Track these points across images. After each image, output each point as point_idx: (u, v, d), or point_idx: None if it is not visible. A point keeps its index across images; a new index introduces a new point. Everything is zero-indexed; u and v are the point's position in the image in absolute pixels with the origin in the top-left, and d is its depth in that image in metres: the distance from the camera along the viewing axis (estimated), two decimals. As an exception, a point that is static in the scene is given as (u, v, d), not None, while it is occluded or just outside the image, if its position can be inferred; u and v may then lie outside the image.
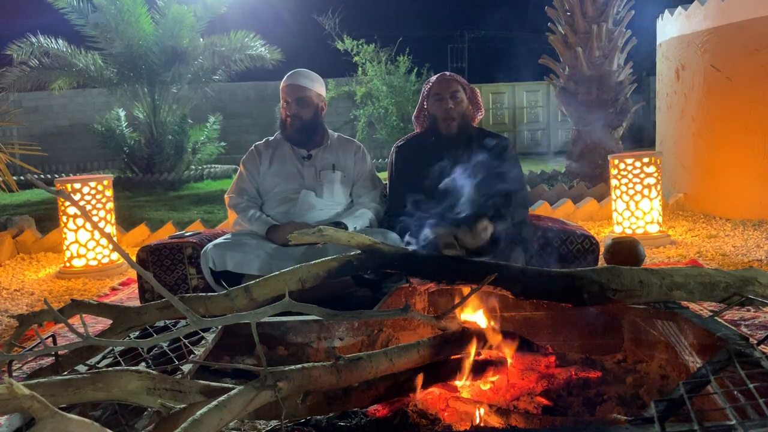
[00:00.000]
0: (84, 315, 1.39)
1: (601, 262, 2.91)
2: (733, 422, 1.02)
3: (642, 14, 6.72)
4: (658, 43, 6.40)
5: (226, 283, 2.05)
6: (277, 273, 1.62)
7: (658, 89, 6.50)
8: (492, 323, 1.72)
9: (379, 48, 13.00)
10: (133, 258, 2.92)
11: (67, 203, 4.21)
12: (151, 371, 1.21)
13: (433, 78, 2.77)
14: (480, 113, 2.84)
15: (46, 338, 1.49)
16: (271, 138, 2.97)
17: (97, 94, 13.61)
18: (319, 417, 1.38)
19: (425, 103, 2.78)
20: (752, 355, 1.28)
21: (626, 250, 2.55)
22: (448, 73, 2.76)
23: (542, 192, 6.21)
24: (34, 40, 10.08)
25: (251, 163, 2.89)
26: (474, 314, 1.73)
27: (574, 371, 1.69)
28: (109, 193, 4.37)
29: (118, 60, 10.33)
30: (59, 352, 1.41)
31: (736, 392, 1.14)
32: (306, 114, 2.82)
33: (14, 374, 1.58)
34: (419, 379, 1.47)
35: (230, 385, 1.22)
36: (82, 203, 4.21)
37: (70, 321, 1.35)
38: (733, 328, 1.52)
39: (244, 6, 13.40)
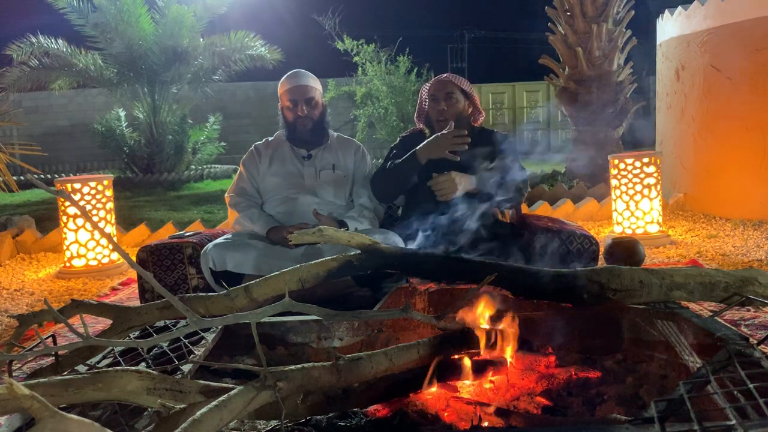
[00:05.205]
0: (84, 315, 1.39)
1: (601, 262, 2.91)
2: (733, 422, 1.01)
3: (642, 14, 6.71)
4: (658, 43, 6.40)
5: (226, 283, 2.05)
6: (277, 273, 1.62)
7: (658, 89, 6.50)
8: (492, 323, 1.72)
9: (379, 48, 12.97)
10: (133, 258, 2.92)
11: (67, 203, 4.21)
12: (151, 371, 1.21)
13: (433, 79, 2.80)
14: (481, 115, 2.86)
15: (46, 338, 1.49)
16: (271, 138, 2.96)
17: (97, 94, 13.60)
18: (319, 417, 1.38)
19: (424, 103, 2.82)
20: (752, 355, 1.28)
21: (626, 250, 2.56)
22: (446, 74, 2.79)
23: (542, 192, 6.20)
24: (34, 40, 10.08)
25: (251, 163, 2.89)
26: (475, 314, 1.73)
27: (574, 371, 1.69)
28: (109, 193, 4.37)
29: (118, 60, 10.33)
30: (59, 352, 1.41)
31: (736, 392, 1.14)
32: (316, 114, 2.82)
33: (14, 374, 1.58)
34: (419, 380, 1.47)
35: (230, 385, 1.21)
36: (82, 203, 4.20)
37: (70, 321, 1.35)
38: (733, 328, 1.52)
39: (244, 6, 13.39)
